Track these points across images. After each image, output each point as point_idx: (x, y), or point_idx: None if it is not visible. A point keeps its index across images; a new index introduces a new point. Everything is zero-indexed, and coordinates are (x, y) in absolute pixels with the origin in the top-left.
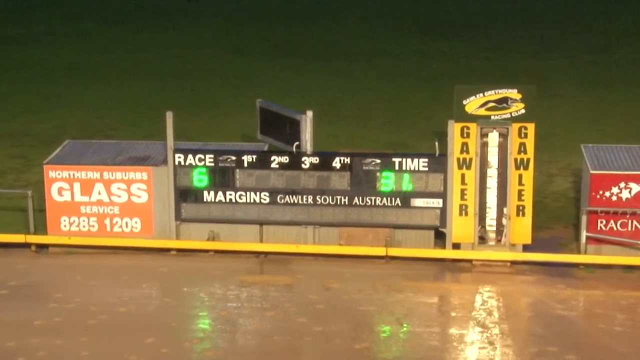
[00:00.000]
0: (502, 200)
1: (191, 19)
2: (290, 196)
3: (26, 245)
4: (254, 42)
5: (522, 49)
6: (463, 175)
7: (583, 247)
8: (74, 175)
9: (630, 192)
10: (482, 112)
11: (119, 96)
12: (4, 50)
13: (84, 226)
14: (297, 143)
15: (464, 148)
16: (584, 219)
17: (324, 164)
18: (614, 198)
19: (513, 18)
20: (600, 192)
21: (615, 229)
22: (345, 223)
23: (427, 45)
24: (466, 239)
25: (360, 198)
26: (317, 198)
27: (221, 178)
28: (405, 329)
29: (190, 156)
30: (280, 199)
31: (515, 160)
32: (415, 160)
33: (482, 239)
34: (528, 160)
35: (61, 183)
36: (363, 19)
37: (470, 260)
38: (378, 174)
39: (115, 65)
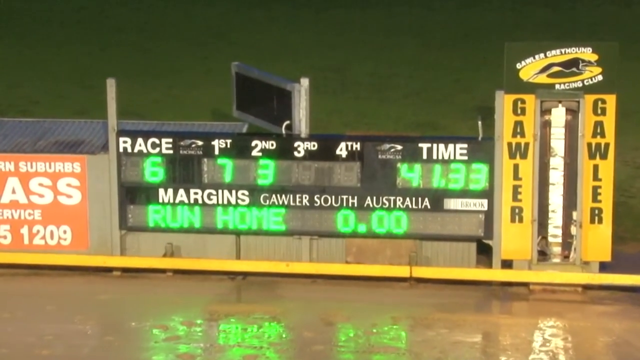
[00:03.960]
0: (570, 202)
1: None
2: (279, 196)
3: None
4: None
5: None
6: (516, 167)
7: None
8: None
9: None
10: (543, 79)
11: (40, 57)
12: None
13: None
14: (287, 122)
15: (518, 129)
16: None
17: (325, 152)
18: None
19: None
20: None
21: None
22: (354, 232)
23: None
24: (521, 254)
25: (375, 198)
26: (316, 198)
27: (183, 171)
28: None
29: (140, 140)
30: (265, 200)
31: (589, 145)
32: (450, 146)
33: (543, 255)
34: (607, 145)
35: None
36: None
37: (526, 284)
38: (399, 165)
39: (36, 13)
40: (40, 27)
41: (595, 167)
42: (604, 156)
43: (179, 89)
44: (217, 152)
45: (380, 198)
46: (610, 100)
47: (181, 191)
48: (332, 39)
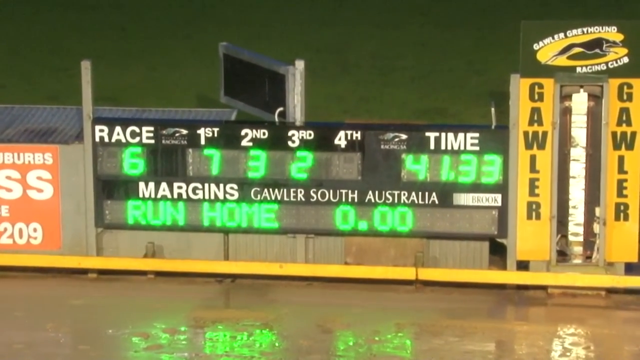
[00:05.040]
0: (593, 197)
1: None
2: (271, 190)
3: None
4: None
5: None
6: (533, 158)
7: None
8: None
9: None
10: (563, 61)
11: (6, 35)
12: None
13: None
14: (280, 109)
15: (535, 117)
16: None
17: (323, 142)
18: None
19: None
20: None
21: None
22: (354, 230)
23: None
24: (538, 254)
25: (377, 193)
26: (312, 193)
27: (166, 163)
28: None
29: (118, 129)
30: (256, 195)
31: (614, 135)
32: (460, 135)
33: (563, 255)
34: (633, 135)
35: None
36: None
37: (544, 288)
38: (404, 156)
39: None
40: (5, 3)
41: (621, 159)
42: (630, 146)
43: (160, 72)
44: (203, 141)
45: (383, 192)
46: (637, 84)
47: (164, 185)
48: (330, 16)
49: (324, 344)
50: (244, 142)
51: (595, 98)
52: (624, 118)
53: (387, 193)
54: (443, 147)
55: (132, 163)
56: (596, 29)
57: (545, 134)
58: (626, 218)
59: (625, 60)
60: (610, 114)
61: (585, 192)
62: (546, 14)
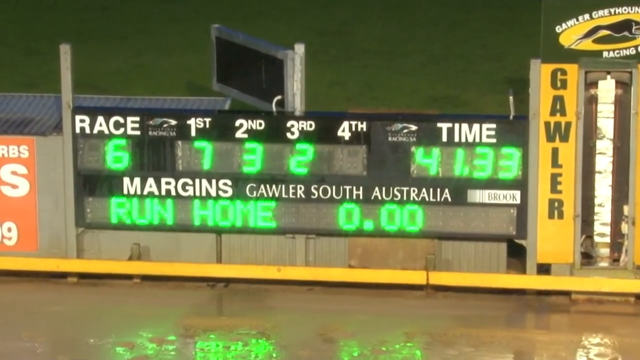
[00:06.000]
0: (621, 194)
1: None
2: (268, 186)
3: None
4: None
5: None
6: (556, 152)
7: None
8: None
9: None
10: (588, 45)
11: None
12: None
13: None
14: (278, 97)
15: (558, 106)
16: None
17: (325, 133)
18: None
19: None
20: None
21: None
22: (359, 230)
23: None
24: (561, 257)
25: (384, 189)
26: (313, 189)
27: (153, 156)
28: None
29: (100, 119)
30: (252, 191)
31: None
32: (476, 126)
33: (588, 258)
34: None
35: None
36: None
37: (567, 293)
38: (413, 149)
39: None
40: None
41: None
42: None
43: (147, 57)
44: (193, 133)
45: (391, 189)
46: None
47: (150, 181)
48: None
49: (326, 354)
50: (239, 134)
51: (624, 85)
52: None
53: (395, 189)
54: (456, 139)
55: (116, 157)
56: (625, 10)
57: (568, 124)
58: None
59: None
60: None
61: (612, 189)
62: None
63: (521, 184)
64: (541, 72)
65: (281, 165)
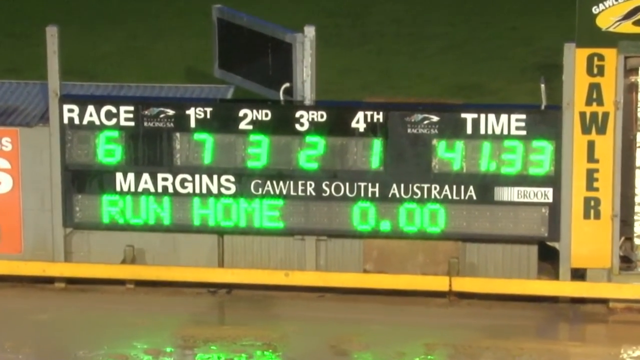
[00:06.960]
0: None
1: None
2: (275, 183)
3: None
4: None
5: None
6: (591, 145)
7: None
8: None
9: None
10: (628, 27)
11: None
12: None
13: None
14: (286, 85)
15: (595, 94)
16: None
17: (337, 124)
18: None
19: None
20: None
21: None
22: (374, 232)
23: None
24: (597, 261)
25: (403, 186)
26: (324, 186)
27: (148, 149)
28: None
29: (91, 109)
30: (257, 188)
31: None
32: (503, 117)
33: (628, 262)
34: None
35: None
36: None
37: (605, 301)
38: (435, 142)
39: None
40: None
41: None
42: None
43: (141, 40)
44: (193, 124)
45: (410, 186)
46: None
47: (146, 176)
48: None
49: None
50: (242, 125)
51: None
52: None
53: (414, 187)
54: (482, 132)
55: (108, 150)
56: None
57: (606, 115)
58: None
59: None
60: None
61: None
62: None
63: (553, 180)
64: (576, 58)
65: (289, 159)
